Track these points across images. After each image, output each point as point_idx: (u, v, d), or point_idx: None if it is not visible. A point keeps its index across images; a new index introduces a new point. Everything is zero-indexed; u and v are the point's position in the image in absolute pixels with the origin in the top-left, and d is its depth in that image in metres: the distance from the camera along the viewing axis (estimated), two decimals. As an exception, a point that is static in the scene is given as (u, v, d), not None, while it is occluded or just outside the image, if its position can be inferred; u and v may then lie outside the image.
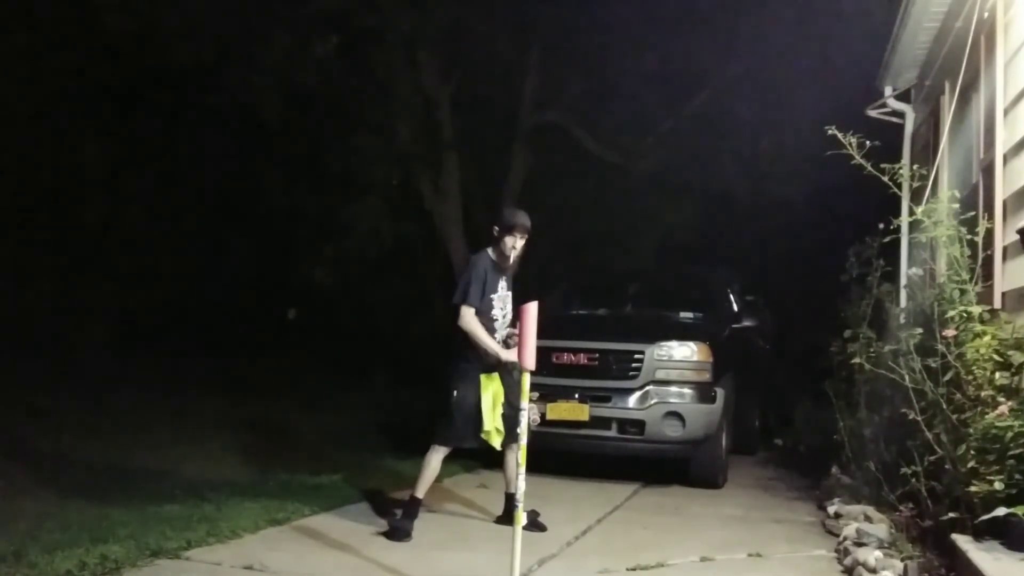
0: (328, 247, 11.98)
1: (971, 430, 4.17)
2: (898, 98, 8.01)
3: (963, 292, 4.63)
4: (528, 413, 3.91)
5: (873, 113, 8.01)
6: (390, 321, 13.22)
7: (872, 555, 4.29)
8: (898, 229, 6.18)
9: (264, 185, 12.22)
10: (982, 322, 4.50)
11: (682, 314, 7.71)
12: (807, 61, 10.29)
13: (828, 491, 6.11)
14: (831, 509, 5.54)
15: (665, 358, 6.71)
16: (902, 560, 4.26)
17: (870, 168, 5.16)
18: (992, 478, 3.92)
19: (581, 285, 8.82)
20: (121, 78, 11.70)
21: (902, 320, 5.79)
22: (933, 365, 4.62)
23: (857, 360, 5.66)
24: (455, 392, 4.97)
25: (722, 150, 11.63)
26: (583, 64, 11.21)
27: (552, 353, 6.58)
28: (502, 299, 5.10)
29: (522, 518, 3.87)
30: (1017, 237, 4.59)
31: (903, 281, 6.72)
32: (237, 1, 9.69)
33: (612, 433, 6.65)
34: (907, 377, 4.84)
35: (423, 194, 11.60)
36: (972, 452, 4.10)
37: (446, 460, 5.14)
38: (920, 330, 4.90)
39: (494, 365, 5.02)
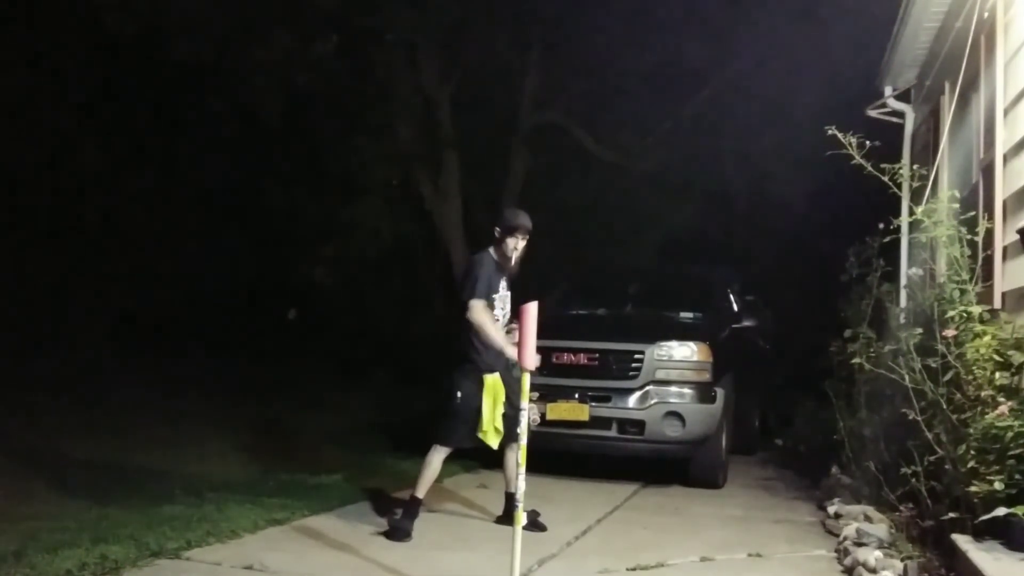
0: (328, 247, 11.98)
1: (971, 430, 4.17)
2: (898, 98, 8.01)
3: (963, 292, 4.63)
4: (528, 413, 3.91)
5: (873, 113, 8.01)
6: (390, 321, 13.22)
7: (872, 555, 4.29)
8: (898, 229, 6.18)
9: (264, 185, 12.22)
10: (982, 322, 4.50)
11: (682, 314, 7.70)
12: (807, 61, 10.30)
13: (828, 491, 6.11)
14: (831, 509, 5.54)
15: (665, 358, 6.71)
16: (902, 560, 4.26)
17: (870, 168, 5.16)
18: (992, 478, 3.92)
19: (581, 285, 8.82)
20: (121, 78, 11.70)
21: (902, 320, 5.78)
22: (933, 365, 4.62)
23: (857, 360, 5.66)
24: (459, 393, 4.97)
25: (722, 150, 11.64)
26: (583, 64, 11.21)
27: (552, 353, 6.56)
28: (502, 299, 5.10)
29: (522, 518, 3.87)
30: (1017, 237, 4.59)
31: (903, 281, 6.72)
32: (237, 1, 9.70)
33: (612, 433, 6.65)
34: (907, 377, 4.84)
35: (423, 194, 11.61)
36: (972, 452, 4.10)
37: (446, 460, 5.13)
38: (920, 330, 4.90)
39: (495, 365, 5.02)
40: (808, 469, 7.13)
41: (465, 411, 4.97)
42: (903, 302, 6.39)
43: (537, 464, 4.25)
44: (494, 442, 5.03)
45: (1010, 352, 4.27)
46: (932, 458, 4.60)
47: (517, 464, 3.84)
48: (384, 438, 8.31)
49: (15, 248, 11.51)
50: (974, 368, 4.32)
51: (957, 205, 4.96)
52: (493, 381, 5.00)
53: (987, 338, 4.34)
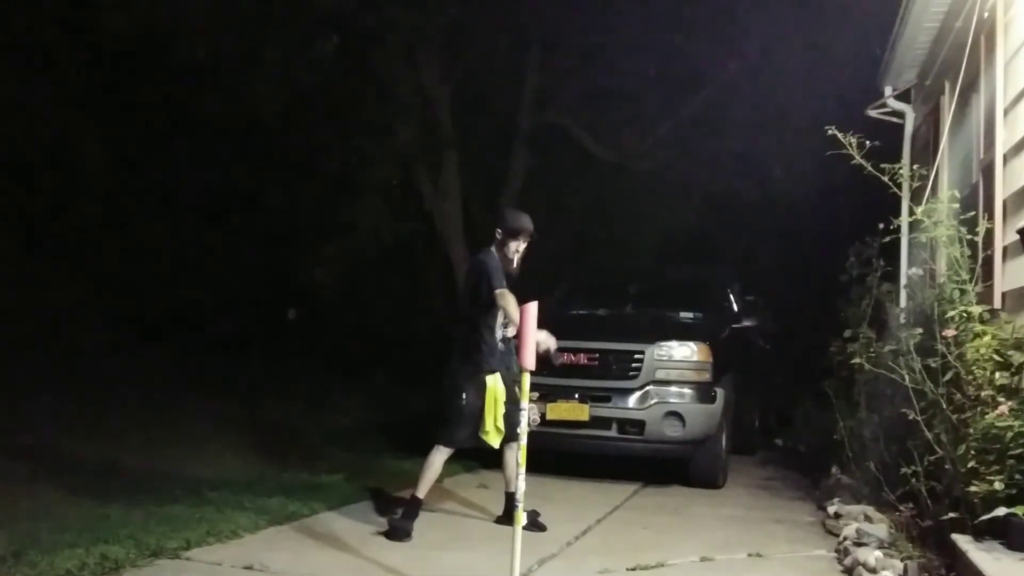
0: (328, 247, 11.97)
1: (971, 430, 4.17)
2: (898, 98, 8.01)
3: (963, 292, 4.63)
4: (528, 413, 3.91)
5: (873, 113, 8.01)
6: (390, 321, 13.21)
7: (872, 555, 4.29)
8: (898, 229, 6.18)
9: (264, 185, 12.22)
10: (982, 322, 4.50)
11: (682, 314, 7.71)
12: (807, 61, 10.30)
13: (828, 491, 6.11)
14: (831, 509, 5.54)
15: (665, 358, 6.71)
16: (902, 560, 4.26)
17: (870, 168, 5.16)
18: (992, 478, 3.92)
19: (581, 285, 8.83)
20: (121, 78, 11.70)
21: (902, 320, 5.79)
22: (933, 365, 4.63)
23: (857, 360, 5.66)
24: (464, 395, 4.96)
25: (722, 150, 11.63)
26: (583, 64, 11.21)
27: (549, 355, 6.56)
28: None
29: (522, 518, 3.88)
30: (1017, 237, 4.59)
31: (903, 281, 6.72)
32: (237, 1, 9.70)
33: (612, 433, 6.65)
34: (907, 377, 4.84)
35: (423, 194, 11.60)
36: (972, 452, 4.10)
37: (447, 460, 5.14)
38: (920, 330, 4.90)
39: (496, 366, 5.02)
40: (808, 469, 7.13)
41: (469, 412, 4.97)
42: (903, 302, 6.39)
43: (537, 464, 4.25)
44: (496, 442, 5.04)
45: (1010, 352, 4.27)
46: (932, 458, 4.60)
47: (517, 464, 3.84)
48: (384, 438, 8.31)
49: (15, 248, 11.50)
50: (974, 368, 4.32)
51: (957, 205, 4.97)
52: (494, 381, 5.00)
53: (987, 338, 4.34)
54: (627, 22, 10.48)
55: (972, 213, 5.01)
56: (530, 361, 3.86)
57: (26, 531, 4.39)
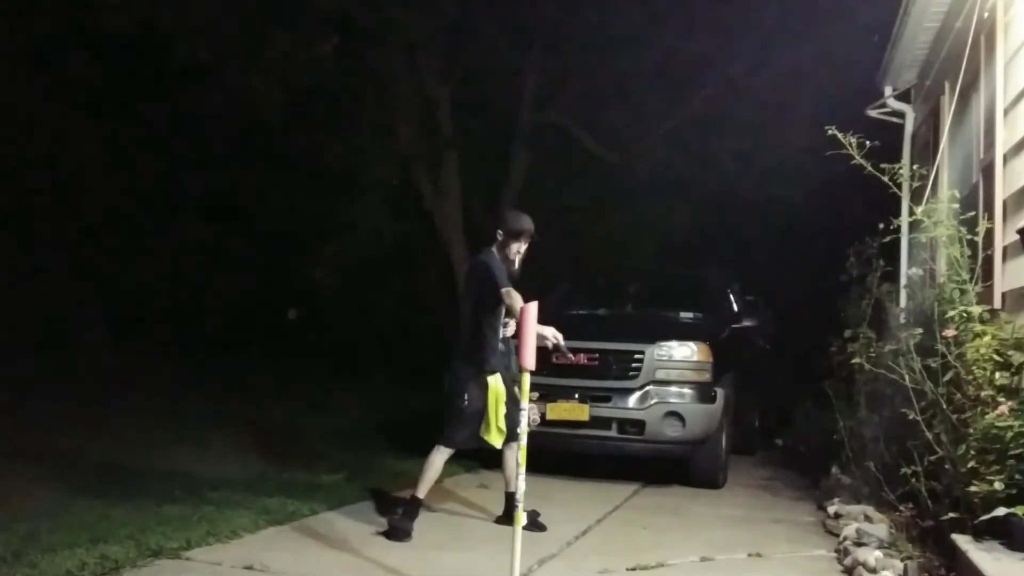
0: (328, 247, 11.98)
1: (971, 430, 4.17)
2: (898, 98, 8.01)
3: (963, 292, 4.63)
4: (528, 413, 3.91)
5: (873, 113, 8.01)
6: (390, 321, 13.21)
7: (872, 555, 4.29)
8: (898, 229, 6.18)
9: (264, 185, 12.22)
10: (982, 322, 4.50)
11: (682, 314, 7.71)
12: (807, 61, 10.30)
13: (828, 491, 6.11)
14: (831, 509, 5.54)
15: (665, 358, 6.71)
16: (902, 560, 4.26)
17: (870, 168, 5.16)
18: (992, 478, 3.92)
19: (581, 285, 8.82)
20: (121, 78, 11.70)
21: (902, 320, 5.79)
22: (933, 365, 4.62)
23: (857, 360, 5.66)
24: (465, 395, 4.96)
25: (722, 150, 11.63)
26: (583, 63, 11.20)
27: (552, 353, 6.55)
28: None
29: (522, 518, 3.87)
30: (1017, 237, 4.59)
31: (903, 281, 6.72)
32: (237, 1, 9.70)
33: (612, 433, 6.65)
34: (907, 377, 4.84)
35: (423, 194, 11.60)
36: (972, 452, 4.10)
37: (447, 460, 5.14)
38: (920, 330, 4.90)
39: (496, 366, 5.03)
40: (808, 469, 7.13)
41: (470, 413, 4.97)
42: (903, 302, 6.39)
43: (537, 464, 4.25)
44: (498, 442, 5.04)
45: (1010, 352, 4.27)
46: (932, 458, 4.60)
47: (517, 464, 3.84)
48: (384, 438, 8.31)
49: (15, 248, 11.50)
50: (974, 368, 4.32)
51: (957, 205, 4.97)
52: (495, 382, 5.01)
53: (987, 338, 4.34)
54: (627, 22, 10.48)
55: (972, 213, 5.01)
56: (530, 361, 3.85)
57: (26, 531, 4.39)
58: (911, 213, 5.21)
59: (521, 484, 3.81)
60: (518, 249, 5.05)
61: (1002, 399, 4.12)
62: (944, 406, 4.51)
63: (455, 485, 6.37)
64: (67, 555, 4.00)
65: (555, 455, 6.28)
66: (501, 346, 5.13)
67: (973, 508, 4.01)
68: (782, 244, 13.79)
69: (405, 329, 12.89)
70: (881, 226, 5.77)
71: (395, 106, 11.01)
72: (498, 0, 10.54)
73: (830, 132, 5.14)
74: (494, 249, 5.10)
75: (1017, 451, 3.90)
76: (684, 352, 6.74)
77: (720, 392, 6.80)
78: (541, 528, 5.11)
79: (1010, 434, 3.93)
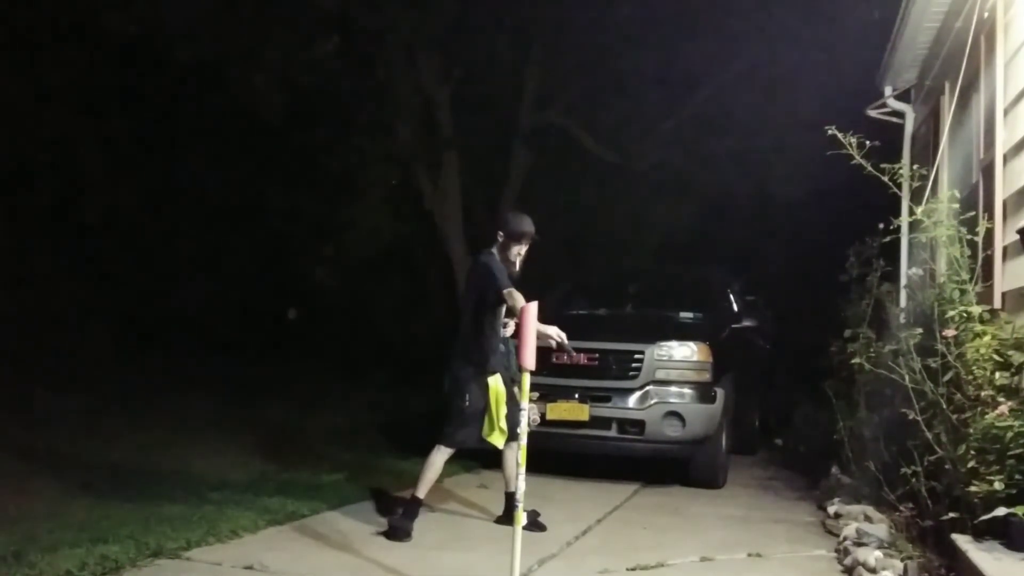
0: (328, 247, 11.97)
1: (971, 430, 4.17)
2: (898, 98, 8.01)
3: (963, 292, 4.63)
4: (528, 413, 3.92)
5: (873, 113, 8.01)
6: (390, 321, 13.21)
7: (872, 555, 4.29)
8: (898, 229, 6.18)
9: (264, 185, 12.22)
10: (982, 322, 4.50)
11: (682, 314, 7.70)
12: (807, 61, 10.29)
13: (828, 491, 6.11)
14: (831, 509, 5.54)
15: (665, 358, 6.71)
16: (902, 560, 4.26)
17: (870, 168, 5.16)
18: (992, 478, 3.92)
19: (581, 285, 8.82)
20: (121, 78, 11.70)
21: (902, 320, 5.79)
22: (933, 365, 4.63)
23: (857, 360, 5.66)
24: (467, 395, 4.96)
25: (722, 150, 11.63)
26: (583, 63, 11.20)
27: (552, 353, 6.56)
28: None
29: (522, 518, 3.88)
30: (1017, 237, 4.59)
31: (903, 281, 6.72)
32: (238, 1, 9.70)
33: (612, 433, 6.65)
34: (907, 377, 4.85)
35: (423, 194, 11.60)
36: (972, 452, 4.10)
37: (447, 460, 5.13)
38: (920, 330, 4.90)
39: (496, 367, 5.03)
40: (808, 469, 7.13)
41: (471, 413, 4.97)
42: (903, 302, 6.39)
43: (537, 464, 4.25)
44: (500, 443, 5.04)
45: (1010, 352, 4.27)
46: (932, 458, 4.60)
47: (517, 464, 3.84)
48: (384, 438, 8.31)
49: (16, 248, 11.50)
50: (974, 368, 4.32)
51: (957, 205, 4.97)
52: (496, 382, 5.01)
53: (987, 338, 4.34)
54: (627, 22, 10.48)
55: (972, 213, 5.01)
56: (530, 361, 3.85)
57: (26, 531, 4.39)
58: (911, 213, 5.21)
59: (521, 484, 3.81)
60: (519, 251, 5.05)
61: (1002, 399, 4.12)
62: (944, 406, 4.51)
63: (455, 485, 6.37)
64: (67, 555, 4.00)
65: (555, 455, 6.28)
66: (501, 346, 5.13)
67: (973, 508, 4.01)
68: (782, 244, 13.79)
69: (405, 329, 12.88)
70: (881, 226, 5.77)
71: (395, 106, 11.01)
72: (498, 0, 10.53)
73: (830, 132, 5.14)
74: (495, 250, 5.10)
75: (1017, 451, 3.90)
76: (684, 352, 6.74)
77: (720, 392, 6.80)
78: (541, 528, 5.11)
79: (1010, 434, 3.93)
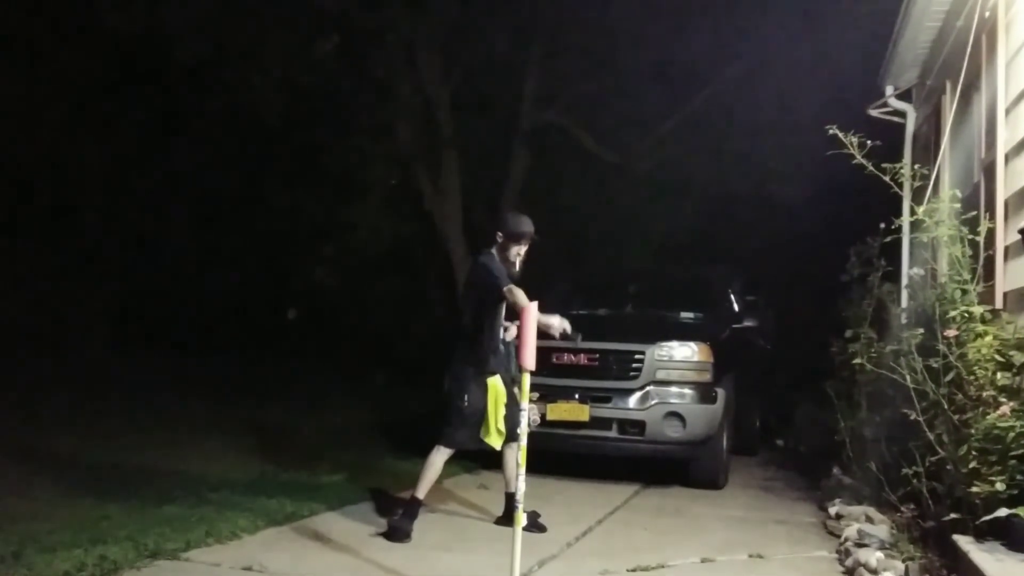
0: (328, 247, 11.96)
1: (973, 431, 4.16)
2: (899, 97, 7.99)
3: (964, 292, 4.62)
4: (528, 413, 3.90)
5: (874, 112, 8.00)
6: (390, 321, 13.21)
7: (873, 556, 4.28)
8: (899, 229, 6.16)
9: (264, 185, 12.22)
10: (984, 322, 4.49)
11: (682, 314, 7.69)
12: (808, 60, 10.28)
13: (829, 492, 6.10)
14: (832, 510, 5.53)
15: (666, 358, 6.69)
16: (903, 561, 4.25)
17: (871, 168, 5.15)
18: (994, 479, 3.92)
19: (581, 285, 8.81)
20: (121, 77, 11.70)
21: (903, 320, 5.78)
22: (934, 365, 4.62)
23: (858, 360, 5.65)
24: (466, 396, 4.95)
25: (723, 150, 11.62)
26: (583, 63, 11.20)
27: (552, 353, 6.56)
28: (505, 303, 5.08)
29: (522, 519, 3.87)
30: (1019, 237, 4.58)
31: (904, 281, 6.71)
32: (238, 1, 9.69)
33: (612, 433, 6.63)
34: (908, 377, 4.84)
35: (423, 194, 11.59)
36: (974, 453, 4.10)
37: (446, 461, 5.12)
38: (921, 330, 4.89)
39: (496, 368, 5.02)
40: (809, 470, 7.12)
41: (470, 414, 4.97)
42: (904, 302, 6.38)
43: (537, 464, 4.24)
44: (498, 444, 5.04)
45: (1012, 352, 4.26)
46: (933, 459, 4.59)
47: (517, 464, 3.83)
48: (384, 438, 8.30)
49: (15, 248, 11.51)
50: (975, 368, 4.31)
51: (958, 205, 4.96)
52: (495, 383, 5.00)
53: (988, 338, 4.33)
54: (627, 22, 10.47)
55: (973, 213, 4.99)
56: (530, 361, 3.84)
57: (25, 531, 4.38)
58: (912, 213, 5.20)
59: (521, 485, 3.80)
60: (518, 251, 5.04)
61: (1004, 399, 4.11)
62: (945, 406, 4.50)
63: (455, 485, 6.36)
64: (66, 556, 3.99)
65: (555, 455, 6.27)
66: (501, 347, 5.12)
67: (974, 509, 4.00)
68: (783, 244, 13.78)
69: (405, 329, 12.88)
70: (882, 226, 5.75)
71: (395, 106, 11.00)
72: (498, 0, 10.53)
73: (831, 132, 5.13)
74: (494, 251, 5.09)
75: (1019, 452, 3.89)
76: (685, 352, 6.72)
77: (721, 392, 6.79)
78: (541, 529, 5.10)
79: (1012, 435, 3.93)
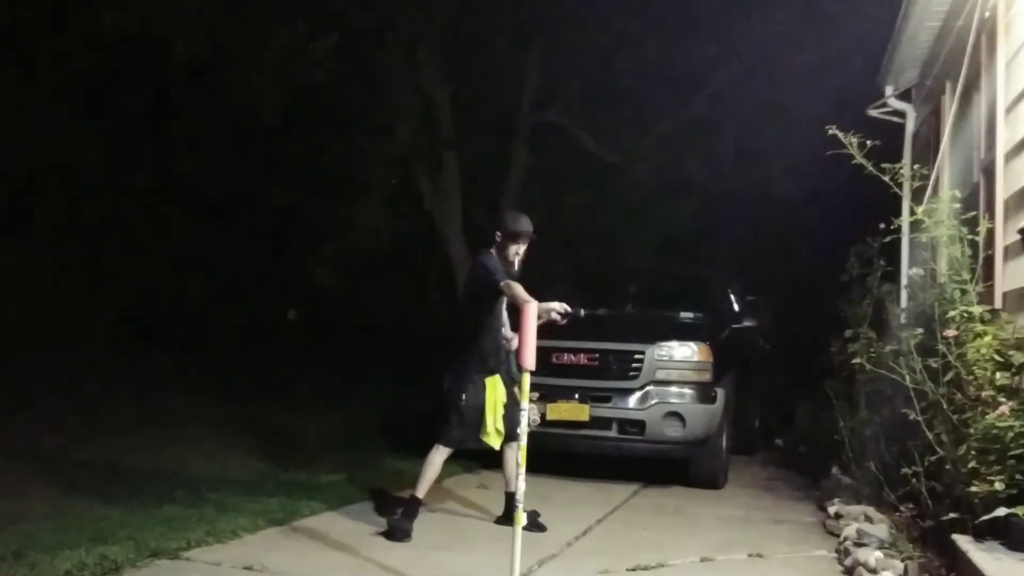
0: (328, 247, 11.96)
1: (972, 430, 4.17)
2: (899, 97, 8.00)
3: (964, 292, 4.63)
4: (528, 413, 3.91)
5: (874, 112, 8.00)
6: (390, 320, 13.20)
7: (872, 555, 4.29)
8: (899, 229, 6.17)
9: (264, 184, 12.21)
10: (983, 322, 4.50)
11: (682, 314, 7.70)
12: (808, 60, 10.28)
13: (828, 491, 6.11)
14: (831, 509, 5.53)
15: (665, 358, 6.70)
16: (902, 560, 4.26)
17: (871, 168, 5.16)
18: (993, 478, 3.92)
19: (581, 284, 8.81)
20: (120, 77, 11.69)
21: (903, 320, 5.78)
22: (934, 365, 4.62)
23: (858, 360, 5.66)
24: (464, 395, 4.96)
25: (722, 150, 11.62)
26: (583, 63, 11.20)
27: (552, 353, 6.57)
28: (503, 301, 5.09)
29: (522, 518, 3.87)
30: (1018, 237, 4.58)
31: (904, 281, 6.72)
32: (237, 0, 9.69)
33: (612, 433, 6.64)
34: (908, 377, 4.84)
35: (423, 194, 11.59)
36: (973, 452, 4.10)
37: (446, 460, 5.13)
38: (921, 330, 4.90)
39: (496, 367, 5.02)
40: (808, 469, 7.13)
41: (469, 412, 4.97)
42: (904, 302, 6.38)
43: (537, 464, 4.24)
44: (496, 443, 5.04)
45: (1011, 352, 4.27)
46: (933, 458, 4.60)
47: (517, 464, 3.84)
48: (384, 438, 8.30)
49: (14, 248, 11.50)
50: (975, 368, 4.32)
51: (958, 205, 4.97)
52: (494, 382, 5.00)
53: (988, 338, 4.34)
54: (627, 22, 10.47)
55: (973, 213, 5.01)
56: (530, 361, 3.85)
57: (26, 531, 4.39)
58: (912, 213, 5.21)
59: (521, 484, 3.81)
60: (517, 250, 5.05)
61: (1003, 399, 4.12)
62: (945, 406, 4.51)
63: (455, 485, 6.37)
64: (66, 555, 3.99)
65: (555, 455, 6.28)
66: (501, 346, 5.12)
67: (974, 508, 4.01)
68: (783, 244, 13.79)
69: (405, 329, 12.87)
70: (882, 226, 5.76)
71: (395, 106, 11.00)
72: (498, 0, 10.53)
73: (831, 132, 5.13)
74: (493, 250, 5.09)
75: (1018, 451, 3.89)
76: (684, 352, 6.73)
77: (720, 392, 6.80)
78: (541, 528, 5.11)
79: (1011, 434, 3.93)
